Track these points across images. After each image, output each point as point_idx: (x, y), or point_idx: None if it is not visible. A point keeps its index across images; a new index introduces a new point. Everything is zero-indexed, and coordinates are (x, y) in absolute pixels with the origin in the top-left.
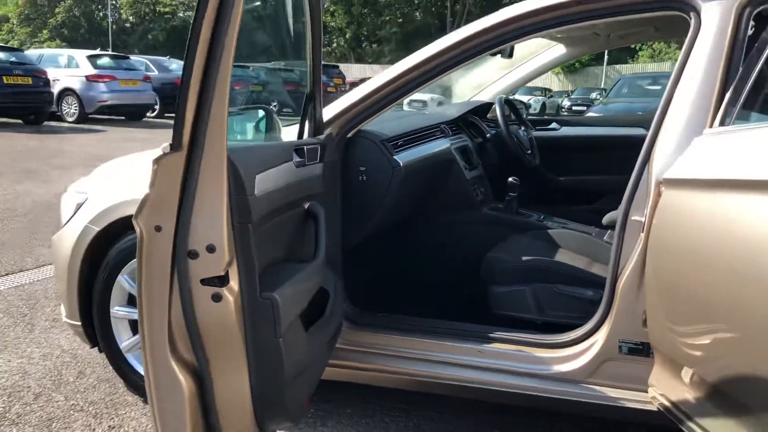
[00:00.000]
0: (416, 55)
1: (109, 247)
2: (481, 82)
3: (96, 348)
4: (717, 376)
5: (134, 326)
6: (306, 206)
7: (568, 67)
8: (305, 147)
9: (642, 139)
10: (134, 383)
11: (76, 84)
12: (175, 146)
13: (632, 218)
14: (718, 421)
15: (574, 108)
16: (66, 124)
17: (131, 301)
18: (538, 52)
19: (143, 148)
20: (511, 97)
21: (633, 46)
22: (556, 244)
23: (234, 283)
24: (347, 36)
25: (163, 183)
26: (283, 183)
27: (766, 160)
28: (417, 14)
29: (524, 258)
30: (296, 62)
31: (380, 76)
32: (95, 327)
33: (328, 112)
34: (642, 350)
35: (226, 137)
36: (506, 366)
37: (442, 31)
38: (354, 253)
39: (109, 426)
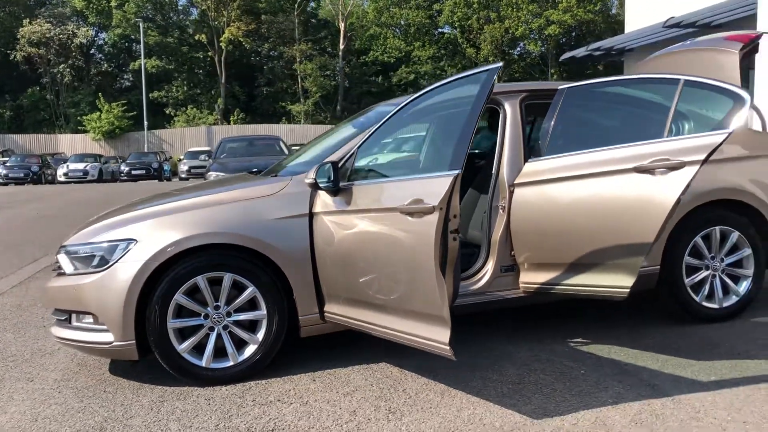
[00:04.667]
0: None
1: (161, 276)
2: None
3: (132, 361)
4: (539, 259)
5: (182, 333)
6: None
7: (108, 133)
8: None
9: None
10: (196, 374)
11: None
12: (460, 169)
13: (494, 204)
14: (547, 274)
15: (133, 172)
16: None
17: (179, 314)
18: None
19: None
20: None
21: (169, 112)
22: None
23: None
24: None
25: (451, 188)
26: None
27: (548, 171)
28: None
29: None
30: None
31: None
32: (152, 339)
33: None
34: (512, 268)
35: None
36: None
37: None
38: None
39: (205, 399)
